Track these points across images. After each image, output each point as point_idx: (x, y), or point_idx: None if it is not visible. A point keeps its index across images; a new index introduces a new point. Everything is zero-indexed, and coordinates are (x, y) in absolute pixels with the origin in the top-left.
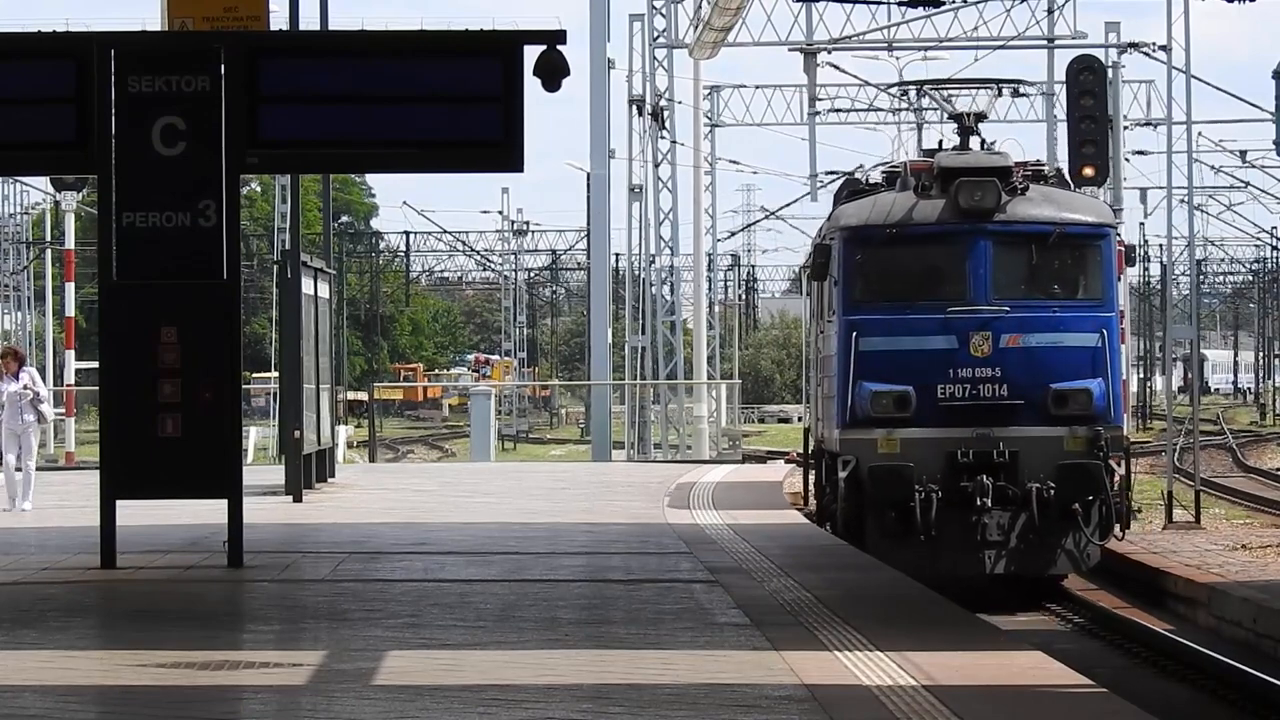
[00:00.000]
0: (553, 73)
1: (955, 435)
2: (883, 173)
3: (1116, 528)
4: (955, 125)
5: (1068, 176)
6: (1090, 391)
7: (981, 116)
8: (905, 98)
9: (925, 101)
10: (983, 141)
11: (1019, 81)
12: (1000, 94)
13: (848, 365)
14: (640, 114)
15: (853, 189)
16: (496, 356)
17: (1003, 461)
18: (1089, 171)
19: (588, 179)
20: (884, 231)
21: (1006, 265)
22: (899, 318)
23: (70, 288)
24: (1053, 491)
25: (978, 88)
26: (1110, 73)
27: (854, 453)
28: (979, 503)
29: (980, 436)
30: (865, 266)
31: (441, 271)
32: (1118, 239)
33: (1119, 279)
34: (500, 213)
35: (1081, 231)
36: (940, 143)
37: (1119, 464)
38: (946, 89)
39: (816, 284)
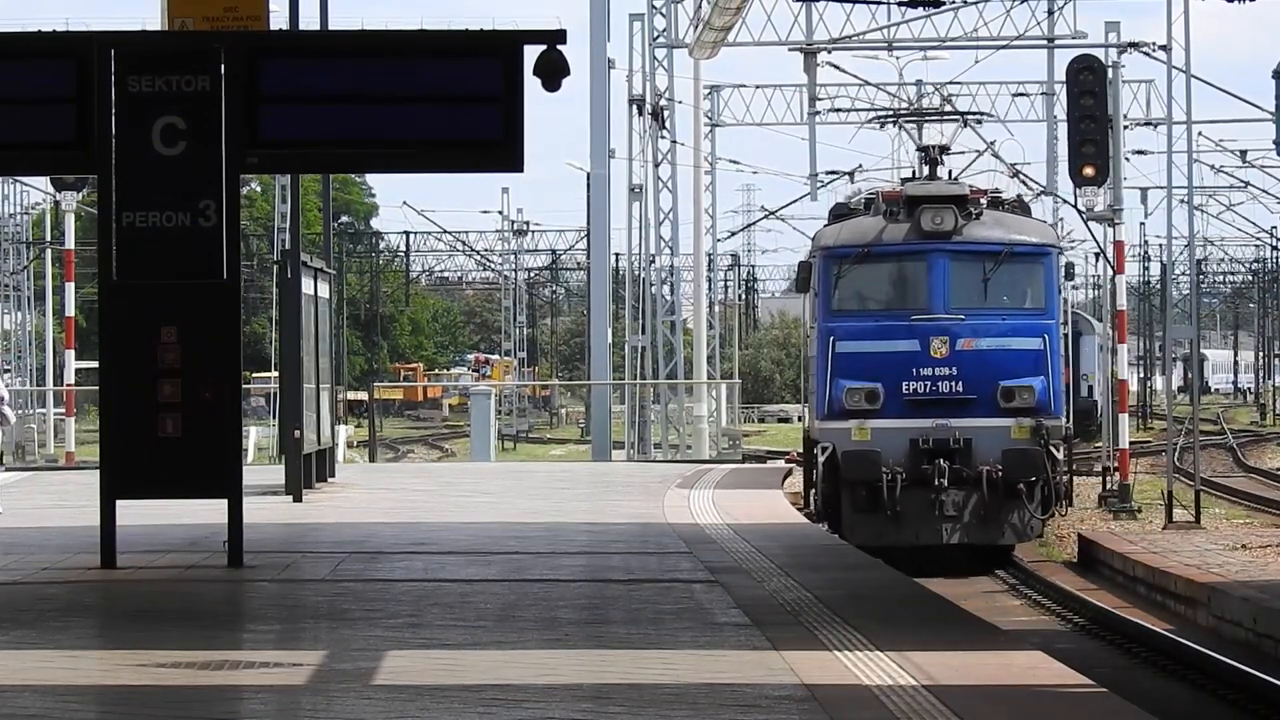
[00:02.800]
0: (553, 72)
1: (917, 425)
2: (864, 198)
3: (1060, 505)
4: (922, 155)
5: (1027, 201)
6: (1033, 388)
7: (945, 149)
8: (884, 128)
9: (926, 103)
10: (949, 172)
11: (981, 114)
12: (965, 125)
13: (826, 365)
14: (640, 114)
15: (838, 213)
16: (496, 356)
17: (958, 448)
18: (1089, 171)
19: (588, 179)
20: (856, 251)
21: (962, 280)
22: (870, 324)
23: (70, 288)
24: (1001, 473)
25: (952, 118)
26: (1110, 73)
27: (831, 440)
28: (937, 483)
29: (939, 426)
30: (841, 281)
31: (441, 271)
32: (1117, 242)
33: (1117, 278)
34: (500, 213)
35: (1027, 251)
36: (914, 171)
37: (1059, 450)
38: (915, 120)
39: (803, 295)
